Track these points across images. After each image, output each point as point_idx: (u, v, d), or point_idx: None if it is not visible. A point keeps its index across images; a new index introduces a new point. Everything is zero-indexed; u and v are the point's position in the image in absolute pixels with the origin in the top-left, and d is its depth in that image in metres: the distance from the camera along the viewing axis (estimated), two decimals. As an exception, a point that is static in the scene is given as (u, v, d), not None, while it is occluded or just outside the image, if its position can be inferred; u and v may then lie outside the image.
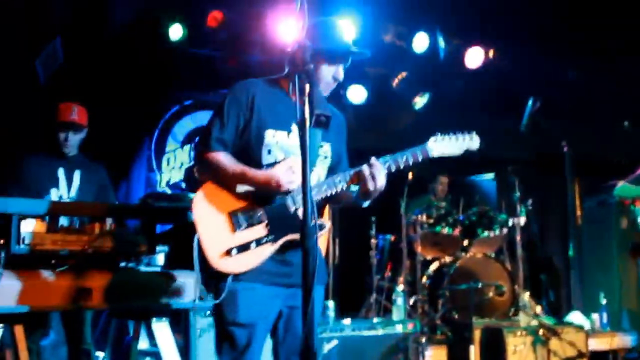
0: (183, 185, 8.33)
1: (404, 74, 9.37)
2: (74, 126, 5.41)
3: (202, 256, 3.27)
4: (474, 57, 9.21)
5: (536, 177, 9.25)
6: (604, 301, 7.83)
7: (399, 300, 7.03)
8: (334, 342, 5.83)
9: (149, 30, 7.82)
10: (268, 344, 3.48)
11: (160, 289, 4.30)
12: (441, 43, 8.97)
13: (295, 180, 3.29)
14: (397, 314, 6.99)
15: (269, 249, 3.30)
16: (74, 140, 5.44)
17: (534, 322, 6.78)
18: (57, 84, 7.26)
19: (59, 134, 5.40)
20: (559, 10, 8.08)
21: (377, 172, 3.36)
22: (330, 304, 6.68)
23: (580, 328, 6.74)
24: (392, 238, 8.65)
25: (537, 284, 9.46)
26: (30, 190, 5.13)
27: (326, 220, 3.54)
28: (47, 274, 3.94)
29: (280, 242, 3.31)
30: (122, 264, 4.31)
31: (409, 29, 8.89)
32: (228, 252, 3.25)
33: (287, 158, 3.37)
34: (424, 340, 6.58)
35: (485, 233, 8.07)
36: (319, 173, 3.53)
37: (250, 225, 3.32)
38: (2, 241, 3.87)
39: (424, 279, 8.00)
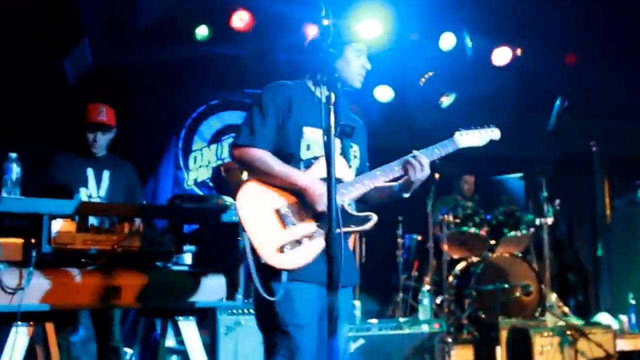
0: (210, 183, 8.38)
1: (430, 73, 9.35)
2: (103, 127, 5.47)
3: (253, 254, 3.24)
4: (502, 55, 9.18)
5: (564, 176, 9.18)
6: (632, 302, 7.77)
7: (425, 300, 7.02)
8: (360, 342, 5.84)
9: (175, 30, 7.87)
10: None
11: (187, 287, 4.35)
12: (468, 42, 8.94)
13: (315, 199, 3.33)
14: (423, 313, 6.98)
15: (320, 245, 3.25)
16: (102, 141, 5.50)
17: (561, 323, 6.75)
18: (86, 84, 7.34)
19: (87, 134, 5.46)
20: (587, 8, 8.04)
21: (424, 162, 3.49)
22: (357, 303, 6.69)
23: (608, 328, 6.69)
24: (419, 237, 8.63)
25: (565, 284, 9.39)
26: (60, 190, 5.20)
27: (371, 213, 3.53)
28: (77, 273, 4.00)
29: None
30: (151, 263, 4.35)
31: (436, 28, 8.88)
32: (281, 249, 3.24)
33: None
34: (450, 340, 6.56)
35: (512, 233, 8.03)
36: (352, 171, 3.58)
37: (300, 220, 3.32)
38: (33, 240, 3.93)
39: (451, 279, 7.98)
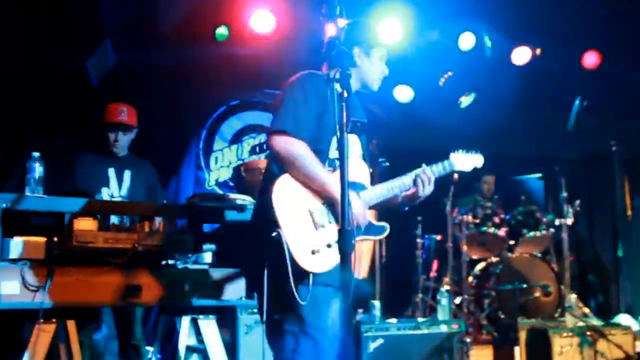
0: (230, 183, 8.41)
1: (450, 73, 9.34)
2: (124, 127, 5.51)
3: (280, 255, 3.14)
4: (521, 55, 9.16)
5: (584, 176, 9.16)
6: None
7: (444, 300, 7.02)
8: (379, 341, 5.85)
9: (196, 31, 7.91)
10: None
11: (207, 286, 4.38)
12: (487, 42, 8.93)
13: (359, 220, 3.34)
14: (442, 313, 6.98)
15: None
16: (123, 141, 5.54)
17: (581, 323, 6.72)
18: (107, 85, 7.40)
19: (108, 134, 5.50)
20: (606, 6, 8.00)
21: (432, 178, 3.57)
22: (376, 303, 6.70)
23: (627, 329, 6.65)
24: (438, 238, 8.64)
25: (585, 285, 9.35)
26: (82, 189, 5.25)
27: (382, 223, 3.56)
28: (98, 271, 4.04)
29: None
30: (171, 262, 4.40)
31: (456, 28, 8.87)
32: (313, 251, 3.20)
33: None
34: (468, 340, 6.56)
35: (532, 233, 8.01)
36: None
37: (330, 223, 3.31)
38: (55, 239, 3.99)
39: (470, 279, 7.98)
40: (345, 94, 2.96)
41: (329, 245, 3.24)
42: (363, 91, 3.70)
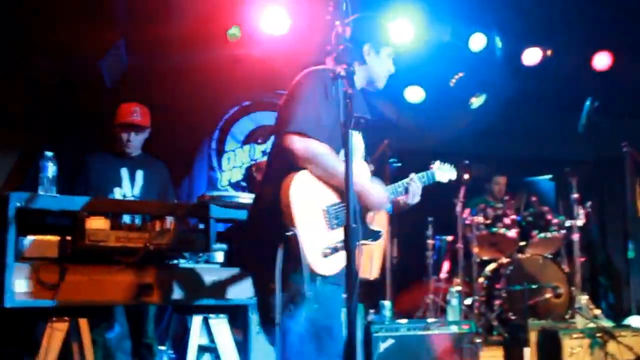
0: (243, 183, 8.44)
1: (461, 73, 9.34)
2: (136, 127, 5.52)
3: (294, 254, 3.10)
4: (532, 56, 9.15)
5: (595, 177, 9.14)
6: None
7: (454, 301, 7.03)
8: (390, 342, 5.86)
9: (208, 32, 7.94)
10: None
11: (218, 285, 4.40)
12: (498, 43, 8.93)
13: (382, 204, 3.45)
14: (452, 314, 6.99)
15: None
16: (136, 141, 5.56)
17: (591, 325, 6.71)
18: (120, 85, 7.43)
19: (121, 134, 5.52)
20: (617, 7, 7.99)
21: (419, 189, 3.67)
22: (387, 303, 6.72)
23: (637, 331, 6.64)
24: (449, 239, 8.64)
25: (596, 286, 9.33)
26: (95, 188, 5.28)
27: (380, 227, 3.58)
28: (110, 270, 4.08)
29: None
30: (182, 261, 4.42)
31: (466, 29, 8.88)
32: (324, 254, 3.17)
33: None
34: (479, 341, 6.56)
35: (543, 234, 8.00)
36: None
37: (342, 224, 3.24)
38: (68, 238, 4.03)
39: (481, 280, 7.98)
40: (350, 91, 2.95)
41: (338, 248, 3.20)
42: (368, 88, 3.70)
